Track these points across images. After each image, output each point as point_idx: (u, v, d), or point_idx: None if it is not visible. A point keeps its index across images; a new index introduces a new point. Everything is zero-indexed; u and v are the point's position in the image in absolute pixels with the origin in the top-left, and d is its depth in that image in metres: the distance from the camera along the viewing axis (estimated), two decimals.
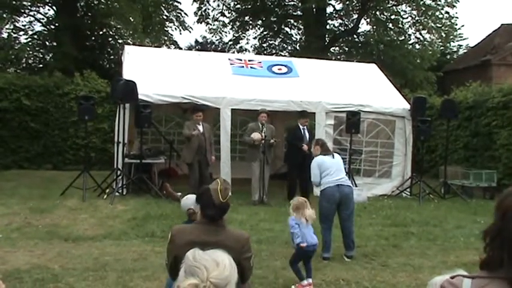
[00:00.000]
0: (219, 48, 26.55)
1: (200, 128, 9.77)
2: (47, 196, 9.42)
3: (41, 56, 20.68)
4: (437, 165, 13.82)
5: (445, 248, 6.86)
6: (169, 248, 2.88)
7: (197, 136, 9.66)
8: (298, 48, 24.98)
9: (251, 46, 27.28)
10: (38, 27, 19.91)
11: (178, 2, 23.72)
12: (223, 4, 25.62)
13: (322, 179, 6.28)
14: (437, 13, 22.34)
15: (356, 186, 10.30)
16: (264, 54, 23.40)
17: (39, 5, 19.54)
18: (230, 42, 26.79)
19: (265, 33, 25.92)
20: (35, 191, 9.94)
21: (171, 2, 23.48)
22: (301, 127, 10.11)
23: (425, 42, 23.32)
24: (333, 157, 6.45)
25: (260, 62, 12.50)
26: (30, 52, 19.99)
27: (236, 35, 26.40)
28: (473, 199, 10.88)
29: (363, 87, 12.06)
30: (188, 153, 9.81)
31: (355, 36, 24.50)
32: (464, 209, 9.82)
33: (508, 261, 1.46)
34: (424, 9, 22.14)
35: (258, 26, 25.95)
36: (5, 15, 18.73)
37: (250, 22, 25.90)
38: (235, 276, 1.65)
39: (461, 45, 28.03)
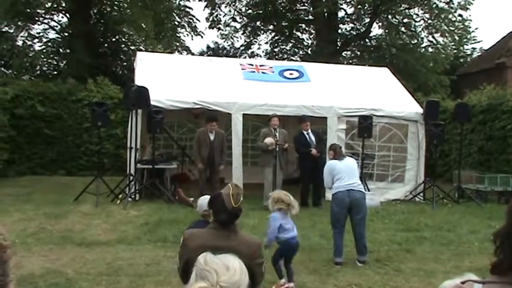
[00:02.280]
0: (231, 54, 26.66)
1: (212, 136, 9.86)
2: (61, 202, 9.52)
3: (55, 63, 20.94)
4: (451, 169, 13.70)
5: (458, 253, 6.81)
6: (181, 252, 2.91)
7: (206, 145, 9.79)
8: (309, 52, 24.97)
9: (263, 51, 27.39)
10: (52, 34, 20.25)
11: (190, 8, 23.96)
12: (235, 9, 25.78)
13: (334, 184, 6.29)
14: (450, 16, 22.18)
15: (369, 190, 10.25)
16: (276, 59, 23.45)
17: (53, 12, 19.83)
18: (242, 48, 26.92)
19: (276, 38, 25.98)
20: (49, 197, 10.05)
21: (182, 8, 23.69)
22: (304, 132, 10.11)
23: (438, 45, 23.16)
24: (346, 161, 6.43)
25: (271, 67, 12.53)
26: (45, 59, 20.26)
27: (248, 40, 26.53)
28: (488, 204, 10.76)
29: (375, 91, 12.03)
30: (200, 161, 9.95)
31: (367, 40, 24.42)
32: (478, 213, 9.72)
33: None
34: (436, 12, 21.99)
35: (270, 31, 26.03)
36: (19, 23, 19.04)
37: (262, 27, 25.99)
38: (246, 281, 1.65)
39: (475, 48, 27.80)
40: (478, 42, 27.86)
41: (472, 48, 27.65)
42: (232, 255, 1.73)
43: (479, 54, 27.06)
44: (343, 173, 6.25)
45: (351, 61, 24.36)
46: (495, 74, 21.65)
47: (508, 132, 12.04)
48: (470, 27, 23.38)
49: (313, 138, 10.09)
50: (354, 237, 6.33)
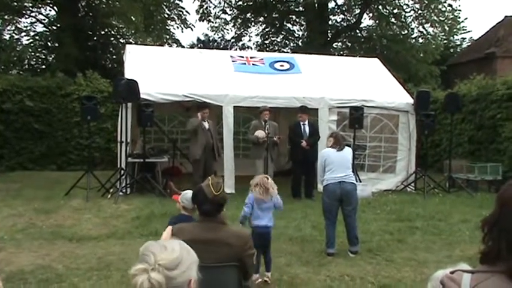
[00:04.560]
0: (221, 46, 26.54)
1: (206, 124, 9.79)
2: (51, 197, 9.44)
3: (43, 57, 20.73)
4: (441, 159, 13.76)
5: (450, 242, 6.83)
6: None
7: (204, 132, 9.70)
8: (300, 44, 24.94)
9: (253, 43, 27.33)
10: (39, 28, 20.02)
11: (180, 0, 23.74)
12: (225, 1, 25.63)
13: (326, 175, 6.27)
14: (440, 6, 22.23)
15: (360, 181, 10.26)
16: (266, 51, 23.40)
17: (40, 5, 19.58)
18: (232, 40, 26.82)
19: (267, 29, 25.89)
20: (39, 192, 9.97)
21: (172, 1, 23.47)
22: (301, 123, 10.09)
23: (428, 36, 23.22)
24: (342, 152, 6.30)
25: (262, 59, 12.46)
26: (33, 53, 20.01)
27: (238, 32, 26.41)
28: (479, 193, 10.81)
29: (366, 82, 12.02)
30: (196, 150, 9.83)
31: (357, 31, 24.42)
32: (469, 202, 9.77)
33: (506, 254, 1.44)
34: (426, 2, 22.02)
35: (260, 23, 25.94)
36: (6, 17, 18.79)
37: (252, 19, 25.89)
38: (190, 259, 1.67)
39: (464, 38, 27.93)
40: (468, 32, 28.04)
41: (462, 38, 27.82)
42: (174, 240, 1.77)
43: (469, 44, 27.19)
44: (334, 165, 6.21)
45: (341, 52, 24.36)
46: (485, 64, 21.77)
47: (497, 121, 12.10)
48: (459, 18, 23.45)
49: (307, 130, 10.07)
50: (346, 228, 6.33)
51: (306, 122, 10.12)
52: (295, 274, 5.40)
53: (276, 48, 25.52)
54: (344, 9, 24.50)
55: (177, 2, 23.61)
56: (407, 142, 11.44)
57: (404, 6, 23.10)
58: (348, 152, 6.46)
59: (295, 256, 6.05)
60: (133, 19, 18.68)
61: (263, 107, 9.91)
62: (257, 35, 26.62)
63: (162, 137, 12.72)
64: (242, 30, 26.27)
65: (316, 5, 22.61)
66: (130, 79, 9.70)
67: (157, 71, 10.98)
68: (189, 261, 1.66)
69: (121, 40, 20.92)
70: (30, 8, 19.51)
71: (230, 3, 25.73)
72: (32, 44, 19.61)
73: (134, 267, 1.60)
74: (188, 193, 4.30)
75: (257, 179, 5.20)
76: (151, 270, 1.57)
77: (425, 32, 23.25)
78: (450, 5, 22.46)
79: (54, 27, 19.65)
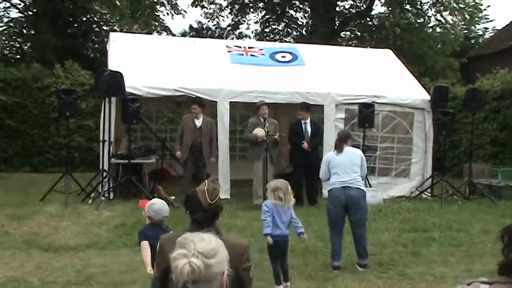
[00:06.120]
0: (216, 35, 26.57)
1: (198, 122, 9.77)
2: (25, 202, 9.41)
3: (18, 45, 20.68)
4: (461, 162, 13.78)
5: (470, 255, 6.85)
6: (158, 260, 2.86)
7: (191, 130, 9.68)
8: (304, 33, 24.96)
9: (252, 32, 27.42)
10: (14, 13, 19.96)
11: None
12: None
13: (331, 178, 6.28)
14: None
15: (370, 186, 10.28)
16: (266, 40, 23.41)
17: None
18: (228, 28, 26.84)
19: (267, 17, 25.91)
20: (12, 196, 9.92)
21: None
22: (302, 121, 10.09)
23: (447, 24, 23.25)
24: (346, 153, 6.32)
25: (261, 49, 12.48)
26: (6, 41, 20.00)
27: (235, 20, 26.40)
28: (502, 200, 10.83)
29: (377, 76, 12.04)
30: (182, 151, 9.83)
31: (368, 19, 24.44)
32: (491, 211, 9.78)
33: None
34: None
35: (260, 9, 25.94)
36: None
37: (251, 5, 25.89)
38: (225, 253, 1.95)
39: (487, 28, 27.90)
40: (491, 21, 27.89)
41: (484, 28, 27.76)
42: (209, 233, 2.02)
43: (492, 34, 27.19)
44: (338, 168, 6.22)
45: (350, 42, 24.39)
46: (510, 56, 21.77)
47: None
48: (482, 5, 23.49)
49: (309, 129, 10.06)
50: (354, 239, 6.33)
51: (308, 121, 10.12)
52: None
53: (277, 37, 25.55)
54: None
55: None
56: (422, 143, 11.45)
57: None
58: (353, 154, 6.42)
59: (297, 270, 6.04)
60: (118, 3, 18.67)
61: (260, 102, 9.90)
62: (256, 22, 26.69)
63: (150, 135, 12.72)
64: (239, 17, 26.29)
65: None
66: (115, 71, 9.69)
67: (144, 62, 10.98)
68: (224, 255, 1.93)
69: (104, 27, 20.87)
70: None
71: None
72: (5, 31, 19.61)
73: (175, 251, 1.87)
74: (156, 203, 4.42)
75: (276, 182, 5.42)
76: (192, 255, 1.83)
77: (443, 21, 23.29)
78: None
79: (30, 13, 19.62)
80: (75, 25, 20.76)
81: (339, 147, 6.42)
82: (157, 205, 4.41)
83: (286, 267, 5.41)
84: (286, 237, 5.35)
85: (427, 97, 11.44)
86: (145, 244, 4.26)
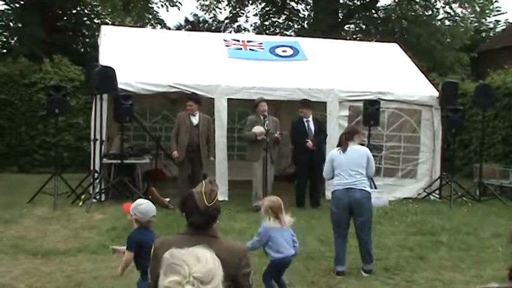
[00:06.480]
0: (213, 28, 26.52)
1: (194, 120, 9.74)
2: (12, 204, 9.42)
3: (4, 39, 20.73)
4: (471, 162, 13.79)
5: (480, 260, 6.85)
6: (152, 265, 2.85)
7: (187, 129, 9.66)
8: (306, 26, 24.93)
9: (251, 25, 27.29)
10: (0, 6, 19.94)
11: None
12: None
13: (334, 179, 6.29)
14: None
15: (375, 188, 10.29)
16: (266, 33, 23.39)
17: None
18: (226, 21, 26.77)
19: (267, 9, 25.87)
20: None
21: None
22: (304, 119, 10.09)
23: (456, 17, 23.21)
24: (350, 152, 6.23)
25: (261, 43, 12.48)
26: None
27: (233, 12, 26.36)
28: None
29: (383, 71, 12.05)
30: (179, 151, 9.79)
31: (373, 11, 24.42)
32: (503, 213, 9.79)
33: None
34: None
35: (259, 1, 25.89)
36: None
37: None
38: (221, 272, 1.79)
39: (499, 21, 27.92)
40: (503, 14, 27.94)
41: (496, 21, 27.78)
42: (200, 246, 1.86)
43: (504, 28, 27.20)
44: (342, 169, 6.20)
45: (354, 36, 24.37)
46: None
47: None
48: None
49: (312, 127, 10.06)
50: (358, 243, 6.34)
51: (310, 118, 10.11)
52: None
53: (278, 30, 25.52)
54: None
55: None
56: (430, 142, 11.45)
57: None
58: (359, 153, 6.31)
59: (299, 275, 6.03)
60: None
61: (259, 99, 9.90)
62: (255, 15, 26.63)
63: (143, 134, 12.71)
64: (238, 9, 26.23)
65: None
66: (106, 66, 9.69)
67: (137, 56, 10.99)
68: (220, 274, 1.78)
69: (95, 20, 20.92)
70: None
71: None
72: None
73: (166, 278, 1.70)
74: (142, 204, 4.31)
75: (267, 201, 5.17)
76: (186, 283, 1.68)
77: (452, 13, 23.25)
78: None
79: (17, 5, 19.59)
80: (65, 18, 20.76)
81: (343, 145, 6.34)
82: (143, 205, 4.28)
83: (283, 282, 5.27)
84: (289, 259, 5.18)
85: (436, 93, 11.44)
86: (131, 256, 4.19)
